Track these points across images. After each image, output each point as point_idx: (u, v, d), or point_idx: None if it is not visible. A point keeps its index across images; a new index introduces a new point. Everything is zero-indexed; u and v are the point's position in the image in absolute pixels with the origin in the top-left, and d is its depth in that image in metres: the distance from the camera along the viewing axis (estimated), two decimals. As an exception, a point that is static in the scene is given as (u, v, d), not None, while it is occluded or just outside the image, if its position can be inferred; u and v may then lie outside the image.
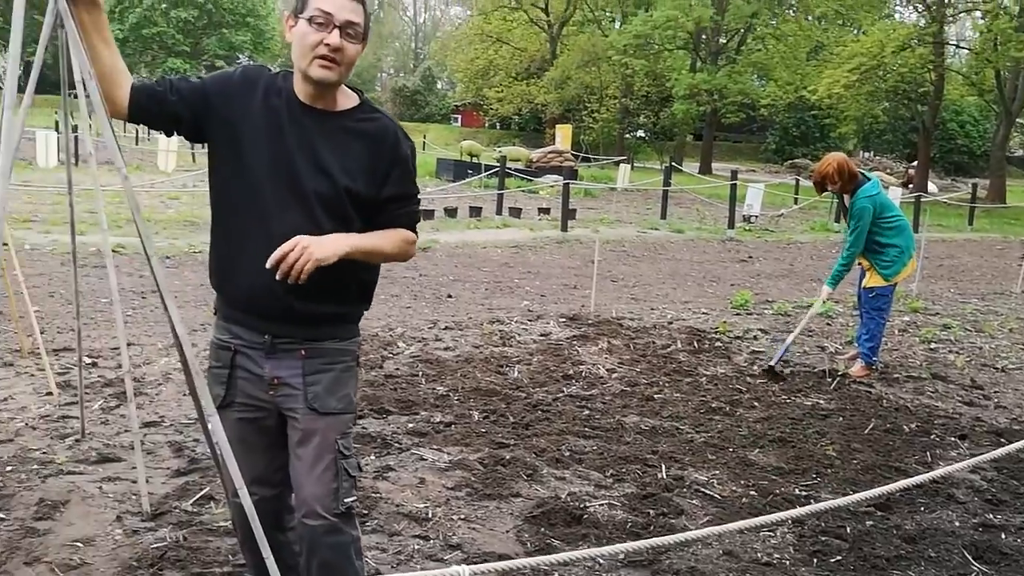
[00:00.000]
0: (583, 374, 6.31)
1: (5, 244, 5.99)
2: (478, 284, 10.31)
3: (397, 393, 5.57)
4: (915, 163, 38.44)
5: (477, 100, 58.13)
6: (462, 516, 3.89)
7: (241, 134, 2.38)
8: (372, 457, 4.48)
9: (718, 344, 7.54)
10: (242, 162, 2.39)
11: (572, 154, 32.11)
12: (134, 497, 3.80)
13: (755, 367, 6.78)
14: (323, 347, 2.50)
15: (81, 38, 2.07)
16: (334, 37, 2.28)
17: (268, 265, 2.25)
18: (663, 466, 4.60)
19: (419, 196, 2.59)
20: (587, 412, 5.48)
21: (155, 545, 3.42)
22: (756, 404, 5.85)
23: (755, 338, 7.89)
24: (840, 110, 38.43)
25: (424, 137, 44.41)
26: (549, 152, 29.60)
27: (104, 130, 2.12)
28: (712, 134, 48.27)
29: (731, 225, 17.84)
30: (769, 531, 3.92)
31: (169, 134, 2.47)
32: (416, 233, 2.59)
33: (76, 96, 3.71)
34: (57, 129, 25.68)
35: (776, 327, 8.38)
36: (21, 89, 2.16)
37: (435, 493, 4.11)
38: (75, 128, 14.22)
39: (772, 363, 6.62)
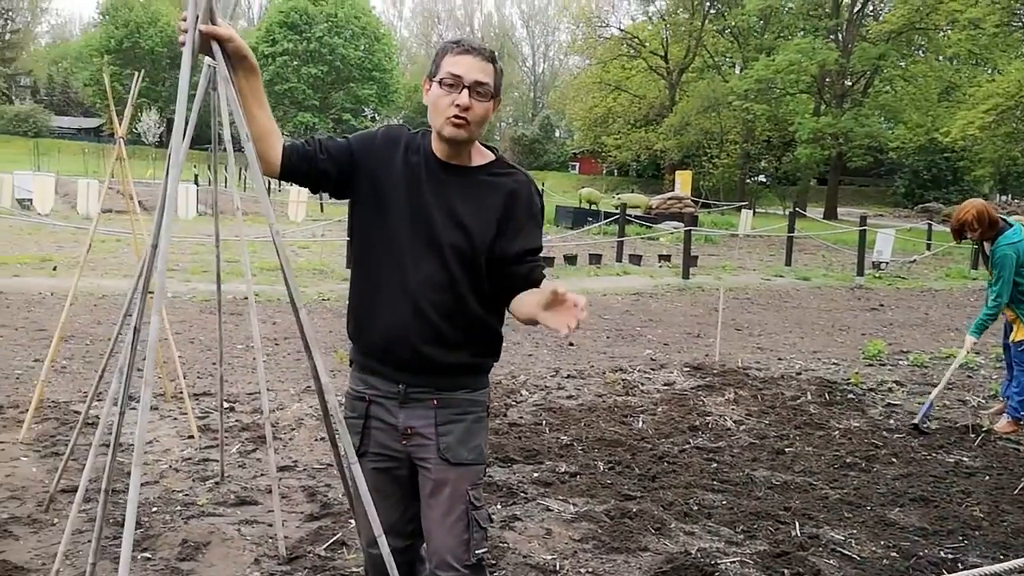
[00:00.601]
0: (710, 425, 6.18)
1: (151, 292, 6.31)
2: (599, 332, 10.26)
3: (521, 442, 5.58)
4: (1058, 206, 36.51)
5: (595, 147, 58.48)
6: (589, 570, 3.84)
7: (382, 189, 2.46)
8: (498, 506, 4.49)
9: (850, 396, 7.26)
10: (382, 216, 2.46)
11: (692, 200, 31.89)
12: (270, 540, 3.91)
13: (891, 421, 6.50)
14: (455, 397, 2.53)
15: (239, 102, 2.19)
16: (463, 98, 2.36)
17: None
18: (796, 523, 4.43)
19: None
20: (715, 465, 5.35)
21: (290, 588, 3.50)
22: (894, 460, 5.59)
23: (890, 390, 7.58)
24: (975, 152, 36.93)
25: (542, 184, 44.68)
26: (668, 198, 29.53)
27: (258, 188, 2.22)
28: (837, 178, 47.08)
29: (860, 272, 17.31)
30: (913, 596, 3.72)
31: (315, 191, 2.56)
32: None
33: (225, 151, 3.92)
34: (196, 182, 27.18)
35: (913, 379, 8.03)
36: (164, 144, 2.30)
37: (562, 545, 4.07)
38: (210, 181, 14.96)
39: (916, 421, 6.33)
